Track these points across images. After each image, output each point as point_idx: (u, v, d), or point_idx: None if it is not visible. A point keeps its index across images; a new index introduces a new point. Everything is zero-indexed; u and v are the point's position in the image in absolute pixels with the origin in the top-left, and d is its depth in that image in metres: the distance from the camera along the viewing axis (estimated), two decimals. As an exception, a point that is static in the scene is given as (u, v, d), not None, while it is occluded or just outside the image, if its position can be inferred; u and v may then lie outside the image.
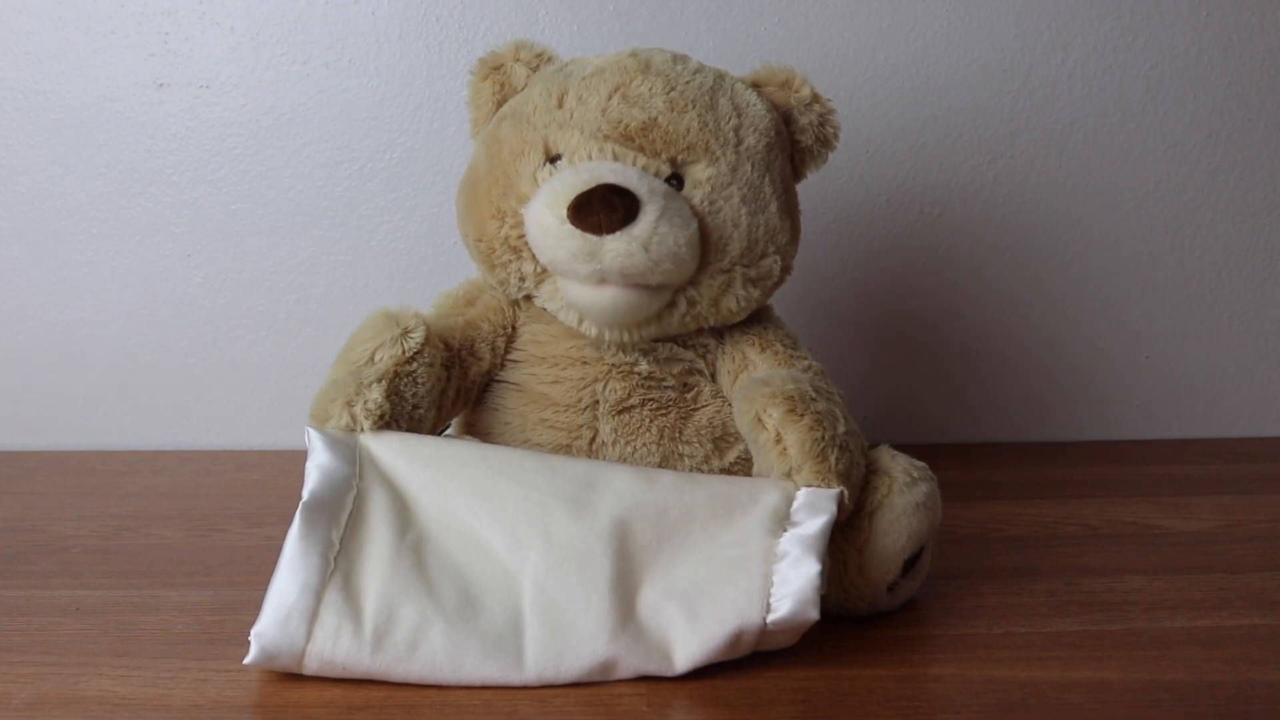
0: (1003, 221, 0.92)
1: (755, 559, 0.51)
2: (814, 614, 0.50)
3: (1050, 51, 0.90)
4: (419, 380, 0.56)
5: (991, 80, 0.90)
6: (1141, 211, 0.92)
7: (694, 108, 0.58)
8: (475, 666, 0.48)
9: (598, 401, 0.60)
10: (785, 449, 0.53)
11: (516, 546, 0.52)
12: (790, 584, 0.50)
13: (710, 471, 0.60)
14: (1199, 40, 0.90)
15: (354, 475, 0.53)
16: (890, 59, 0.89)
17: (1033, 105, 0.90)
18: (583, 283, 0.56)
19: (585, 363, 0.60)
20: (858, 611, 0.57)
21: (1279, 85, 0.91)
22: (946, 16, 0.88)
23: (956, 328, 0.93)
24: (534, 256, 0.58)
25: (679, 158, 0.57)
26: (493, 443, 0.60)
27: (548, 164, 0.58)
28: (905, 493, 0.55)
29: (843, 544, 0.55)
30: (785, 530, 0.52)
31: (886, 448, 0.58)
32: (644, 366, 0.60)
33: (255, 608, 0.49)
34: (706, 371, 0.62)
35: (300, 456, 0.53)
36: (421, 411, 0.57)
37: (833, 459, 0.53)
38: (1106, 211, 0.92)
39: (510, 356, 0.62)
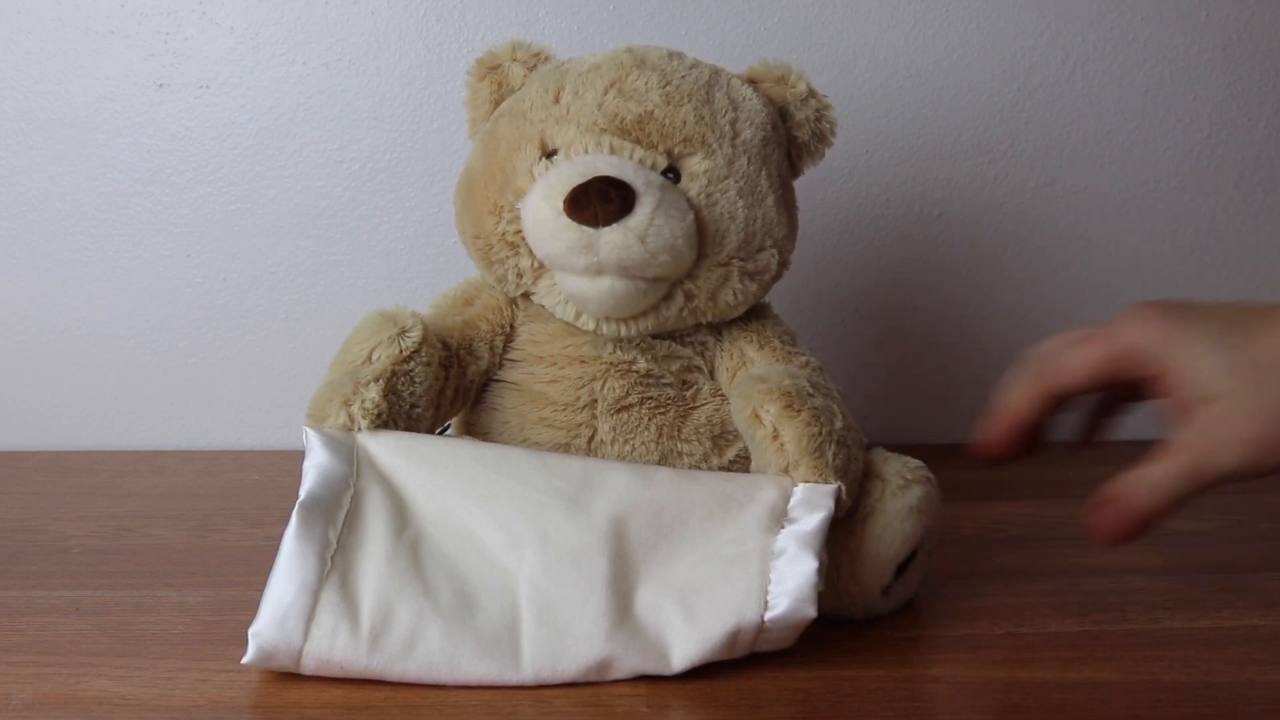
0: (1003, 221, 0.92)
1: (752, 557, 0.51)
2: (811, 611, 0.50)
3: (1050, 51, 0.89)
4: (416, 379, 0.56)
5: (991, 80, 0.89)
6: (1141, 212, 0.92)
7: (690, 101, 0.58)
8: (472, 666, 0.48)
9: (596, 400, 0.60)
10: (782, 445, 0.53)
11: (513, 546, 0.52)
12: (787, 581, 0.50)
13: (709, 469, 0.60)
14: (1199, 40, 0.90)
15: (351, 475, 0.53)
16: (890, 59, 0.89)
17: (1033, 105, 0.90)
18: (579, 275, 0.56)
19: (583, 361, 0.60)
20: (853, 616, 0.56)
21: (1279, 85, 0.91)
22: (946, 16, 0.88)
23: (956, 326, 0.93)
24: (531, 251, 0.58)
25: (675, 150, 0.57)
26: (491, 442, 0.60)
27: (544, 159, 0.58)
28: (898, 496, 0.55)
29: (835, 549, 0.55)
30: (783, 527, 0.52)
31: (880, 449, 0.58)
32: (642, 364, 0.60)
33: (255, 608, 0.49)
34: (705, 369, 0.62)
35: (301, 456, 0.53)
36: (419, 411, 0.56)
37: (830, 454, 0.53)
38: (1106, 211, 0.92)
39: (509, 356, 0.62)
